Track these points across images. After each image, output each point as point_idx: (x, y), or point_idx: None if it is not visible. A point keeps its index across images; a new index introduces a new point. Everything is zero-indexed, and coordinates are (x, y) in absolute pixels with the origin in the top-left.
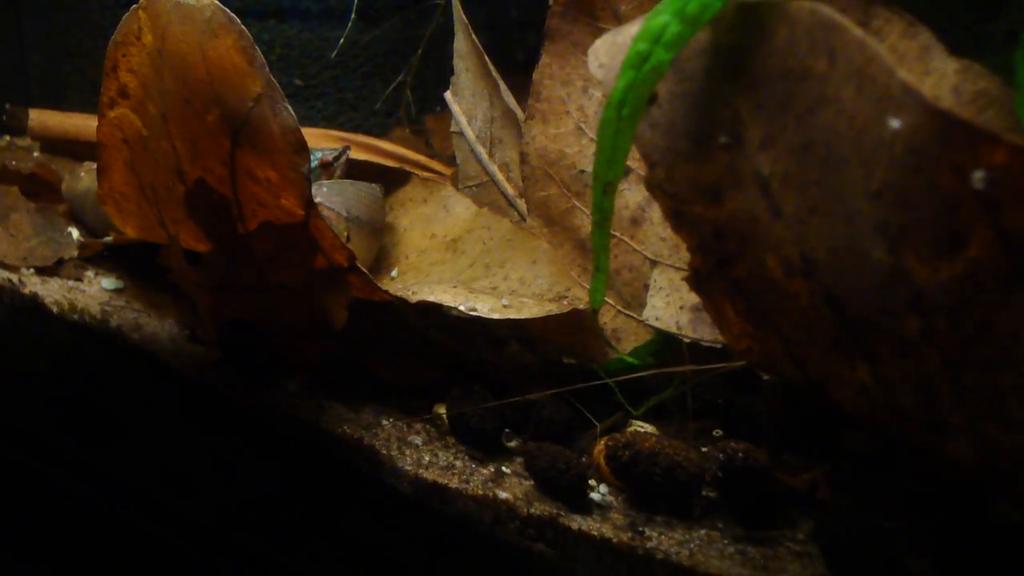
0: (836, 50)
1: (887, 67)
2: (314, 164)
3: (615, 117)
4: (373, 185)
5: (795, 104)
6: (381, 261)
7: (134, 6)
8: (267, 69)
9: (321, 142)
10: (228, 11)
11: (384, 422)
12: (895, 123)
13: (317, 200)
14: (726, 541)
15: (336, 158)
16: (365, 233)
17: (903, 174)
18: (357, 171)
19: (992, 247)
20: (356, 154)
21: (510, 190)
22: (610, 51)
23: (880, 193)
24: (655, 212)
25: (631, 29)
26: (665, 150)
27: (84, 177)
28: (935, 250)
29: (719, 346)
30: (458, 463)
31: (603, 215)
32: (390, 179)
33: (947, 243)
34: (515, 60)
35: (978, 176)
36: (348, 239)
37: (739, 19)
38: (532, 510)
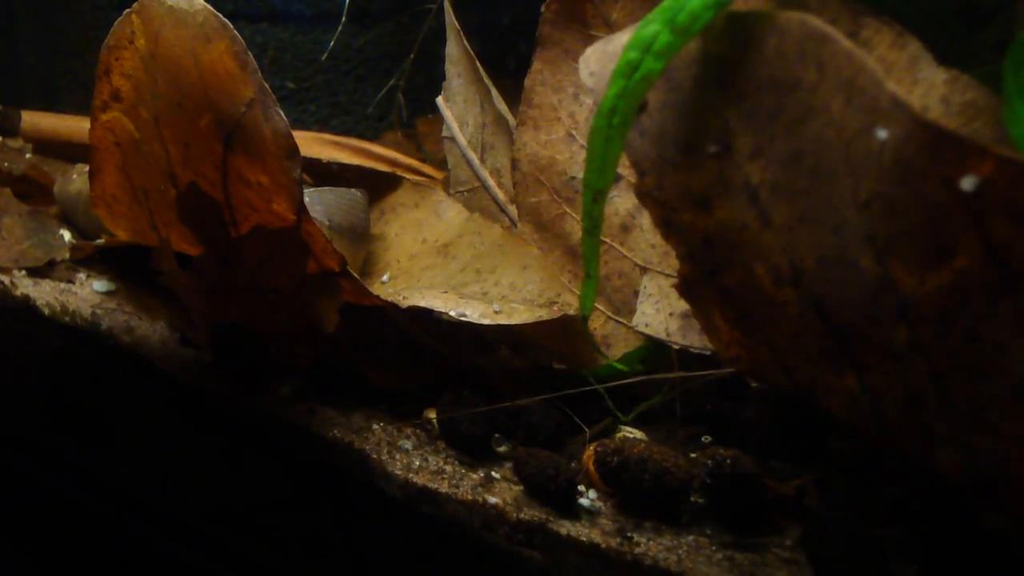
0: (825, 61)
1: (876, 78)
2: None
3: (605, 125)
4: (354, 191)
5: (784, 114)
6: (372, 266)
7: (127, 10)
8: (259, 74)
9: (313, 145)
10: (221, 16)
11: (374, 426)
12: (883, 134)
13: None
14: (714, 547)
15: None
16: (348, 240)
17: (891, 185)
18: (349, 176)
19: (979, 258)
20: (348, 158)
21: (501, 196)
22: (601, 59)
23: (868, 203)
24: (645, 219)
25: (622, 38)
26: (655, 158)
27: (76, 179)
28: (922, 260)
29: (708, 353)
30: (448, 468)
31: (593, 222)
32: (381, 184)
33: (934, 253)
34: (507, 66)
35: (967, 183)
36: None
37: (729, 29)
38: (521, 515)
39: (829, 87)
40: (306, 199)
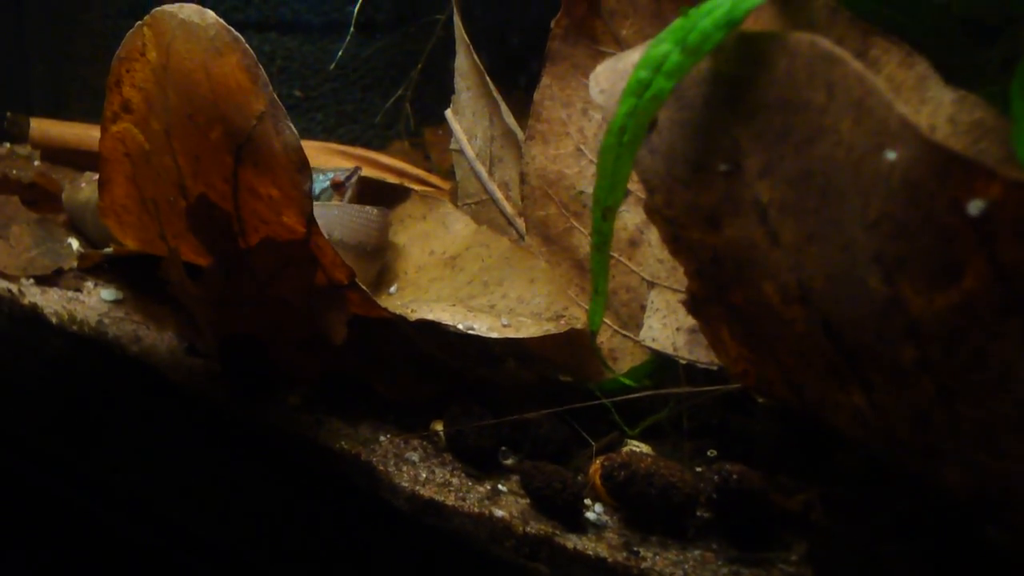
0: (835, 82)
1: (885, 100)
2: (326, 184)
3: (616, 143)
4: (368, 208)
5: (794, 134)
6: (380, 276)
7: (139, 23)
8: (270, 88)
9: (321, 155)
10: (232, 30)
11: (382, 438)
12: (892, 156)
13: None
14: (720, 562)
15: (348, 178)
16: (352, 256)
17: (900, 205)
18: (364, 189)
19: (987, 279)
20: None
21: (509, 209)
22: (611, 77)
23: (877, 223)
24: (653, 234)
25: (632, 56)
26: (664, 176)
27: (85, 188)
28: (931, 280)
29: (715, 368)
30: (455, 480)
31: (603, 239)
32: (390, 195)
33: (943, 274)
34: (516, 80)
35: (975, 205)
36: None
37: (739, 50)
38: (528, 528)
39: (838, 108)
40: None
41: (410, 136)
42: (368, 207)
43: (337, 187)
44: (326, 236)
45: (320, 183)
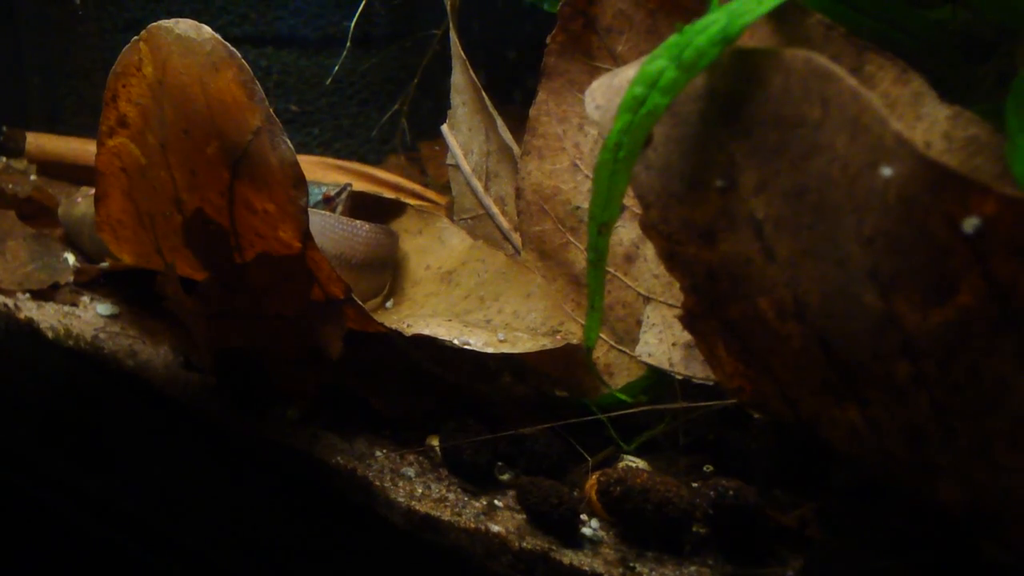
0: (830, 99)
1: (880, 117)
2: (318, 198)
3: (611, 159)
4: (358, 222)
5: (789, 150)
6: (378, 292)
7: (135, 38)
8: (267, 103)
9: (317, 169)
10: (229, 45)
11: (377, 453)
12: (887, 172)
13: None
14: None
15: (338, 194)
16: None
17: (895, 222)
18: (353, 201)
19: (982, 295)
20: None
21: (505, 224)
22: (607, 93)
23: (872, 239)
24: (648, 249)
25: (627, 72)
26: (660, 192)
27: (81, 202)
28: (926, 296)
29: (711, 383)
30: (451, 495)
31: (598, 255)
32: (386, 209)
33: (938, 290)
34: (512, 95)
35: (970, 222)
36: None
37: (735, 66)
38: (524, 544)
39: (833, 124)
40: None
41: (406, 151)
42: (359, 221)
43: (327, 201)
44: None
45: (314, 196)
